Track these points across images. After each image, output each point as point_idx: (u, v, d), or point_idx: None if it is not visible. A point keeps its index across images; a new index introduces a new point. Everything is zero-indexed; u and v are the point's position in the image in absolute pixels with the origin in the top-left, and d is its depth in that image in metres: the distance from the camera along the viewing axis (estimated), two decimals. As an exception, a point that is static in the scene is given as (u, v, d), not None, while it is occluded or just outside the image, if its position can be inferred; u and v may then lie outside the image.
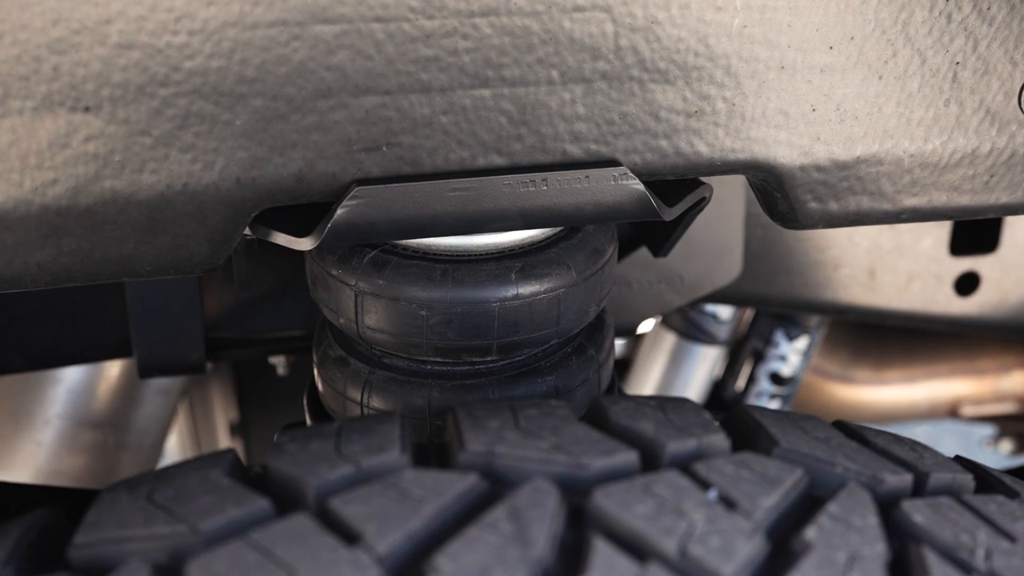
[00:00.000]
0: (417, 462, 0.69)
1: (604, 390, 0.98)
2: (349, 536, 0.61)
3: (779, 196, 0.85)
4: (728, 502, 0.64)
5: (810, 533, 0.63)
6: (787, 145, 0.82)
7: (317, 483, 0.65)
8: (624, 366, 1.84)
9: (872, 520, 0.65)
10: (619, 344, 2.05)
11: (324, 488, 0.65)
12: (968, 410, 1.97)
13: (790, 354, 1.64)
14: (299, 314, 1.21)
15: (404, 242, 0.87)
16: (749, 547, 0.61)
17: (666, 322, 1.65)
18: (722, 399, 1.71)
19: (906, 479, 0.70)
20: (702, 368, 1.65)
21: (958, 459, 0.80)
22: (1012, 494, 0.73)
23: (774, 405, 1.68)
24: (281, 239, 0.80)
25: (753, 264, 1.32)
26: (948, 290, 1.40)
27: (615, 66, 0.77)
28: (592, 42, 0.76)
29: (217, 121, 0.73)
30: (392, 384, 0.90)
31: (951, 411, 1.99)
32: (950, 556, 0.64)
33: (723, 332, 1.62)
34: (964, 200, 0.88)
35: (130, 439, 1.50)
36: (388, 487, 0.63)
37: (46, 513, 0.71)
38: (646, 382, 1.69)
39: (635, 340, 1.81)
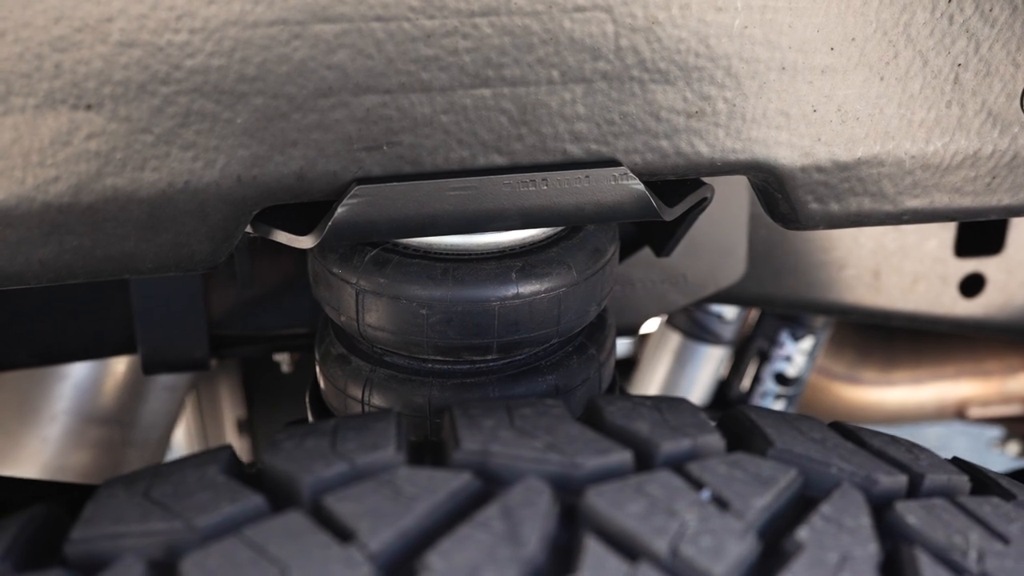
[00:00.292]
0: (412, 460, 0.69)
1: (605, 389, 0.98)
2: (342, 534, 0.61)
3: (780, 197, 0.85)
4: (721, 502, 0.64)
5: (802, 533, 0.63)
6: (788, 146, 0.82)
7: (311, 480, 0.65)
8: (631, 365, 1.85)
9: (865, 521, 0.65)
10: (627, 343, 2.05)
11: (318, 485, 0.65)
12: (975, 412, 1.97)
13: (795, 354, 1.64)
14: (303, 312, 1.22)
15: (405, 241, 0.87)
16: (740, 547, 0.61)
17: (671, 322, 1.65)
18: (727, 399, 1.71)
19: (900, 480, 0.70)
20: (707, 368, 1.65)
21: (954, 461, 0.80)
22: (1008, 496, 0.73)
23: (779, 405, 1.68)
24: (282, 237, 0.80)
25: (757, 264, 1.32)
26: (953, 291, 1.39)
27: (615, 66, 0.77)
28: (592, 42, 0.76)
29: (218, 119, 0.73)
30: (393, 382, 0.91)
31: (958, 412, 1.98)
32: (942, 557, 0.64)
33: (728, 332, 1.62)
34: (966, 202, 0.88)
35: (136, 435, 1.51)
36: (382, 485, 0.64)
37: (44, 509, 0.72)
38: (651, 382, 1.69)
39: (642, 339, 1.81)
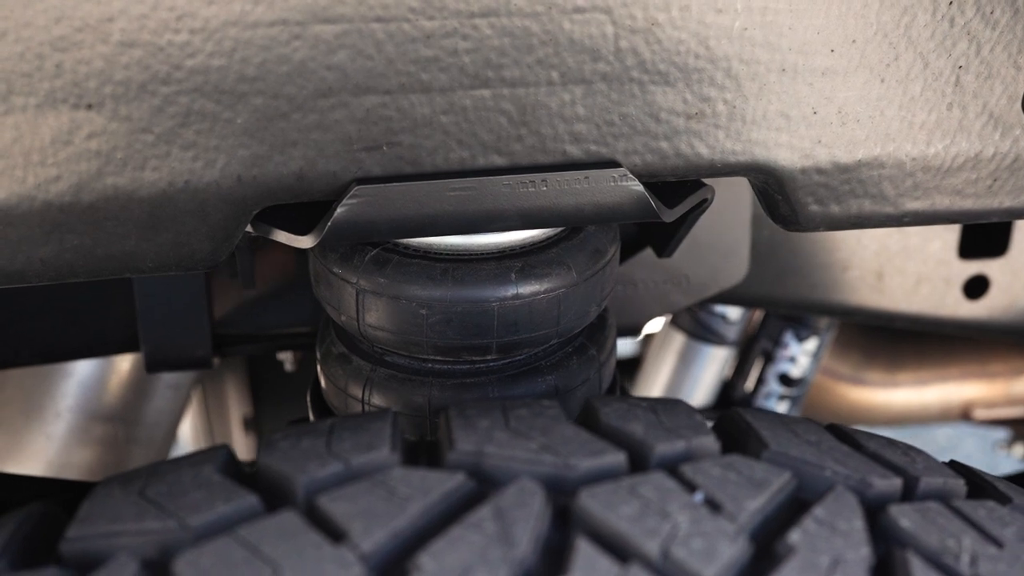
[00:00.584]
0: (407, 460, 0.69)
1: (606, 390, 0.98)
2: (335, 534, 0.61)
3: (780, 198, 0.85)
4: (713, 504, 0.64)
5: (794, 536, 0.63)
6: (788, 148, 0.82)
7: (306, 480, 0.65)
8: (636, 364, 1.85)
9: (858, 524, 0.65)
10: (632, 342, 2.05)
11: (313, 485, 0.65)
12: (980, 413, 1.97)
13: (799, 355, 1.64)
14: (305, 310, 1.22)
15: (405, 241, 0.87)
16: (732, 550, 0.61)
17: (675, 322, 1.65)
18: (731, 400, 1.71)
19: (895, 483, 0.70)
20: (711, 369, 1.65)
21: (951, 464, 0.80)
22: (1004, 500, 0.73)
23: (783, 406, 1.68)
24: (282, 237, 0.80)
25: (760, 265, 1.32)
26: (957, 293, 1.39)
27: (615, 68, 0.77)
28: (592, 43, 0.76)
29: (218, 119, 0.74)
30: (393, 382, 0.91)
31: (963, 414, 1.98)
32: (935, 561, 0.64)
33: (732, 333, 1.62)
34: (967, 204, 0.88)
35: (141, 433, 1.51)
36: (376, 485, 0.64)
37: (41, 507, 0.72)
38: (655, 382, 1.69)
39: (647, 339, 1.81)
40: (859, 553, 0.62)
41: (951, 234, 1.36)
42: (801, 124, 0.81)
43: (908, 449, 0.76)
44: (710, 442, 0.71)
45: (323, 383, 0.97)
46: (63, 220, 0.74)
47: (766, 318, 1.65)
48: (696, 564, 0.60)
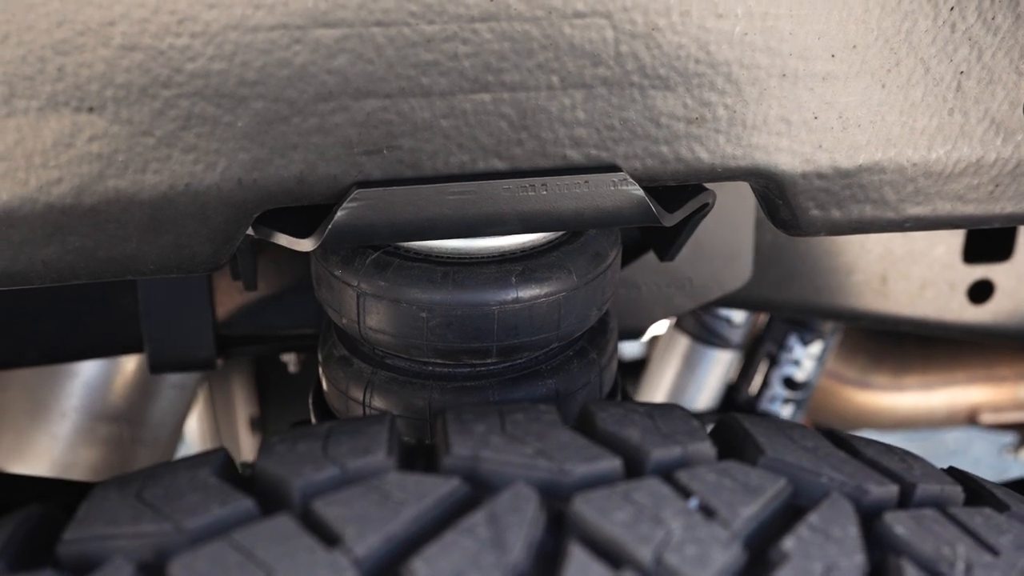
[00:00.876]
0: (404, 464, 0.69)
1: (607, 393, 0.98)
2: (329, 538, 0.61)
3: (781, 203, 0.85)
4: (708, 511, 0.64)
5: (788, 543, 0.63)
6: (789, 152, 0.82)
7: (302, 484, 0.65)
8: (643, 366, 1.84)
9: (852, 531, 0.65)
10: (639, 345, 2.05)
11: (308, 489, 0.65)
12: (987, 417, 1.96)
13: (804, 359, 1.63)
14: (309, 312, 1.22)
15: (406, 244, 0.87)
16: (725, 556, 0.61)
17: (680, 325, 1.65)
18: (736, 403, 1.71)
19: (891, 490, 0.70)
20: (715, 372, 1.65)
21: (949, 471, 0.80)
22: (1002, 507, 0.73)
23: (788, 410, 1.67)
24: (282, 240, 0.81)
25: (764, 269, 1.32)
26: (961, 298, 1.39)
27: (615, 72, 0.77)
28: (592, 48, 0.76)
29: (219, 123, 0.74)
30: (394, 385, 0.91)
31: (969, 418, 1.98)
32: (929, 569, 0.64)
33: (737, 336, 1.62)
34: (969, 209, 0.88)
35: (146, 433, 1.52)
36: (371, 489, 0.64)
37: (40, 508, 0.72)
38: (659, 385, 1.69)
39: (653, 341, 1.81)
40: (853, 560, 0.62)
41: (956, 239, 1.36)
42: (802, 129, 0.81)
43: (906, 455, 0.76)
44: (706, 448, 0.71)
45: (324, 385, 0.98)
46: (64, 222, 0.75)
47: (771, 321, 1.65)
48: (689, 570, 0.60)
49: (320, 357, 0.98)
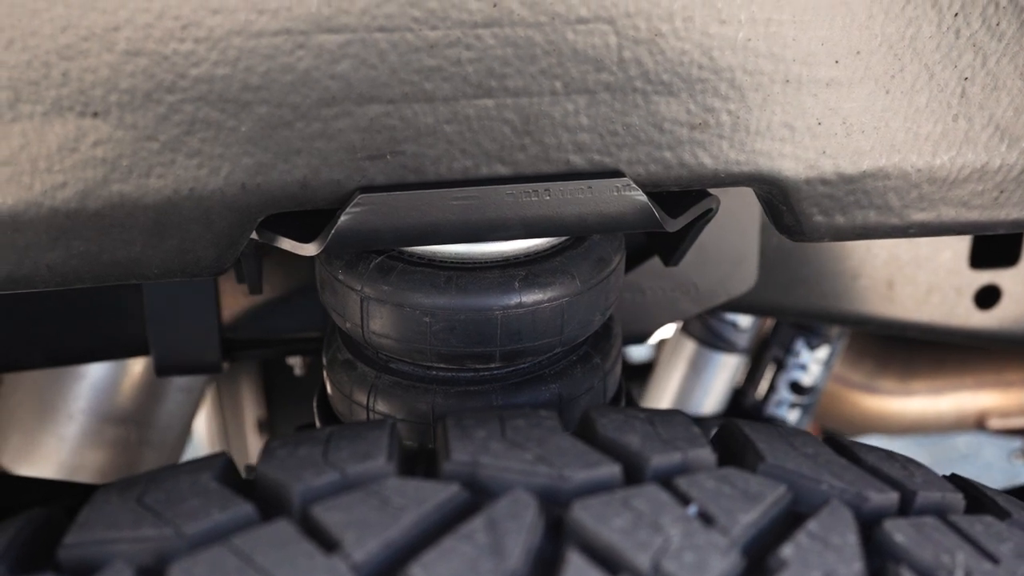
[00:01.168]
0: (404, 470, 0.69)
1: (611, 398, 0.98)
2: (328, 543, 0.61)
3: (784, 209, 0.85)
4: (707, 518, 0.64)
5: (786, 551, 0.63)
6: (792, 158, 0.82)
7: (301, 489, 0.66)
8: (650, 369, 1.84)
9: (851, 539, 0.64)
10: (647, 348, 2.05)
11: (308, 494, 0.66)
12: (995, 423, 1.96)
13: (811, 363, 1.63)
14: (314, 316, 1.22)
15: (410, 249, 0.87)
16: (723, 563, 0.61)
17: (686, 329, 1.65)
18: (743, 407, 1.70)
19: (892, 497, 0.70)
20: (722, 376, 1.65)
21: (951, 478, 0.80)
22: (1003, 515, 0.72)
23: (794, 414, 1.67)
24: (286, 244, 0.81)
25: (770, 273, 1.32)
26: (968, 303, 1.38)
27: (618, 78, 0.77)
28: (595, 54, 0.76)
29: (223, 127, 0.74)
30: (397, 389, 0.91)
31: (977, 423, 1.97)
32: (928, 576, 0.64)
33: (743, 340, 1.62)
34: (973, 215, 0.88)
35: (153, 435, 1.52)
36: (370, 495, 0.64)
37: (43, 512, 0.72)
38: (666, 389, 1.69)
39: (661, 345, 1.81)
40: (851, 568, 0.62)
41: (962, 244, 1.36)
42: (805, 135, 0.81)
43: (907, 462, 0.76)
44: (706, 454, 0.71)
45: (329, 389, 0.98)
46: (69, 226, 0.75)
47: (777, 326, 1.65)
48: (687, 577, 0.60)
49: (324, 361, 0.99)
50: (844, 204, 0.85)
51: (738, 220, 1.20)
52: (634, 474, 0.69)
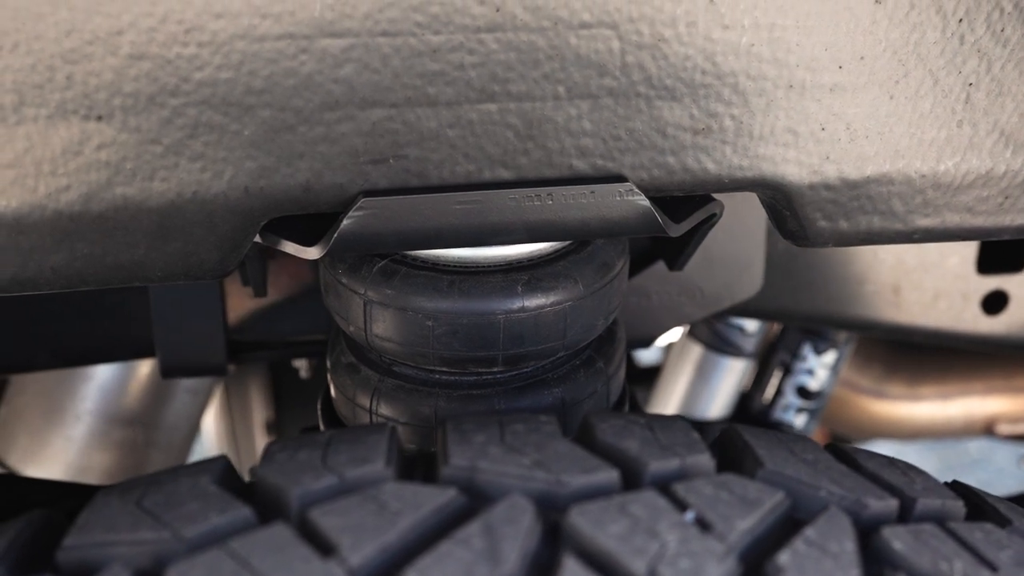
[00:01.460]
0: (403, 474, 0.70)
1: (614, 403, 0.98)
2: (325, 547, 0.62)
3: (788, 214, 0.85)
4: (704, 524, 0.64)
5: (783, 558, 0.62)
6: (796, 163, 0.82)
7: (300, 493, 0.66)
8: (658, 373, 1.84)
9: (849, 546, 0.64)
10: (655, 351, 2.05)
11: (306, 498, 0.66)
12: (1004, 428, 1.95)
13: (818, 368, 1.63)
14: (320, 319, 1.23)
15: (413, 253, 0.88)
16: (719, 570, 0.61)
17: (693, 334, 1.65)
18: (749, 412, 1.70)
19: (891, 504, 0.70)
20: (728, 380, 1.65)
21: (953, 484, 0.79)
22: (1003, 522, 0.72)
23: (801, 419, 1.67)
24: (289, 248, 0.81)
25: (776, 278, 1.31)
26: (975, 308, 1.38)
27: (621, 83, 0.77)
28: (598, 58, 0.76)
29: (226, 131, 0.74)
30: (400, 392, 0.91)
31: (986, 429, 1.96)
32: (925, 584, 0.64)
33: (750, 344, 1.62)
34: (978, 221, 0.88)
35: (160, 437, 1.53)
36: (367, 499, 0.64)
37: (44, 513, 0.73)
38: (672, 393, 1.69)
39: (669, 348, 1.81)
40: (848, 575, 0.62)
41: (969, 249, 1.35)
42: (809, 140, 0.81)
43: (908, 469, 0.76)
44: (705, 460, 0.70)
45: (332, 392, 0.98)
46: (73, 229, 0.75)
47: (784, 330, 1.65)
48: (682, 584, 0.60)
49: (328, 364, 0.99)
50: (848, 209, 0.84)
51: (744, 225, 1.20)
52: (632, 480, 0.69)
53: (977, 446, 3.82)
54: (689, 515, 0.65)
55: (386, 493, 0.65)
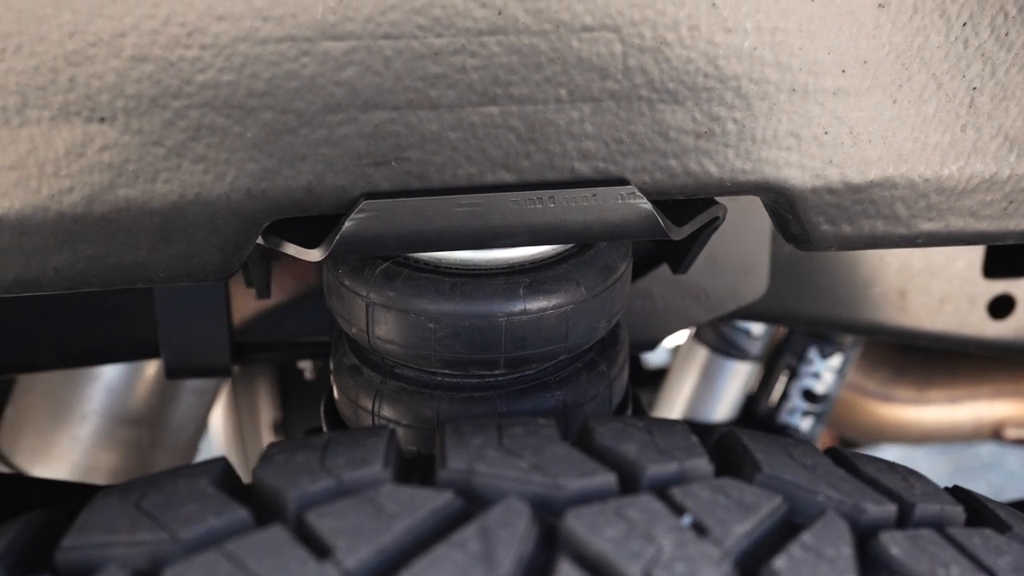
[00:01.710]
0: (401, 477, 0.70)
1: (617, 405, 0.98)
2: (321, 550, 0.62)
3: (791, 218, 0.85)
4: (700, 528, 0.64)
5: (779, 562, 0.62)
6: (799, 167, 0.82)
7: (296, 495, 0.66)
8: (664, 375, 1.84)
9: (846, 551, 0.64)
10: (663, 353, 2.04)
11: (303, 500, 0.66)
12: (1012, 432, 1.94)
13: (824, 371, 1.63)
14: (324, 320, 1.23)
15: (415, 255, 0.88)
16: (715, 574, 0.61)
17: (698, 336, 1.65)
18: (755, 415, 1.70)
19: (889, 509, 0.70)
20: (734, 383, 1.64)
21: (953, 490, 0.79)
22: (1003, 528, 0.72)
23: (807, 422, 1.66)
24: (291, 250, 0.81)
25: (781, 281, 1.31)
26: (982, 312, 1.38)
27: (624, 86, 0.77)
28: (600, 62, 0.76)
29: (228, 133, 0.74)
30: (403, 394, 0.91)
31: (994, 433, 1.96)
32: (923, 590, 0.64)
33: (756, 348, 1.62)
34: (982, 226, 0.87)
35: (166, 437, 1.53)
36: (364, 502, 0.64)
37: (44, 514, 0.73)
38: (678, 396, 1.68)
39: (677, 350, 1.80)
40: (844, 580, 0.62)
41: (976, 253, 1.35)
42: (812, 144, 0.81)
43: (908, 474, 0.76)
44: (703, 464, 0.70)
45: (335, 394, 0.98)
46: (76, 230, 0.76)
47: (790, 334, 1.64)
48: (678, 588, 0.60)
49: (331, 365, 0.99)
50: (851, 213, 0.84)
51: (749, 227, 1.20)
52: (629, 483, 0.69)
53: (988, 450, 3.80)
54: (686, 519, 0.65)
55: (383, 496, 0.65)
